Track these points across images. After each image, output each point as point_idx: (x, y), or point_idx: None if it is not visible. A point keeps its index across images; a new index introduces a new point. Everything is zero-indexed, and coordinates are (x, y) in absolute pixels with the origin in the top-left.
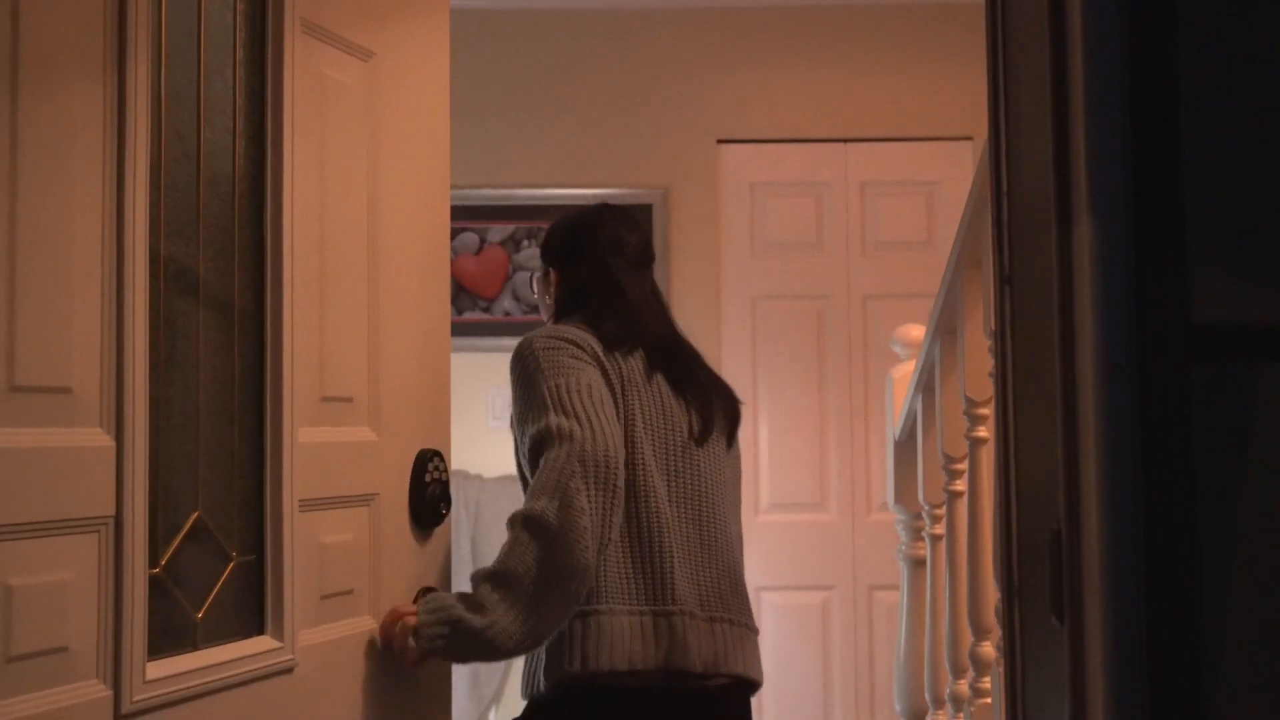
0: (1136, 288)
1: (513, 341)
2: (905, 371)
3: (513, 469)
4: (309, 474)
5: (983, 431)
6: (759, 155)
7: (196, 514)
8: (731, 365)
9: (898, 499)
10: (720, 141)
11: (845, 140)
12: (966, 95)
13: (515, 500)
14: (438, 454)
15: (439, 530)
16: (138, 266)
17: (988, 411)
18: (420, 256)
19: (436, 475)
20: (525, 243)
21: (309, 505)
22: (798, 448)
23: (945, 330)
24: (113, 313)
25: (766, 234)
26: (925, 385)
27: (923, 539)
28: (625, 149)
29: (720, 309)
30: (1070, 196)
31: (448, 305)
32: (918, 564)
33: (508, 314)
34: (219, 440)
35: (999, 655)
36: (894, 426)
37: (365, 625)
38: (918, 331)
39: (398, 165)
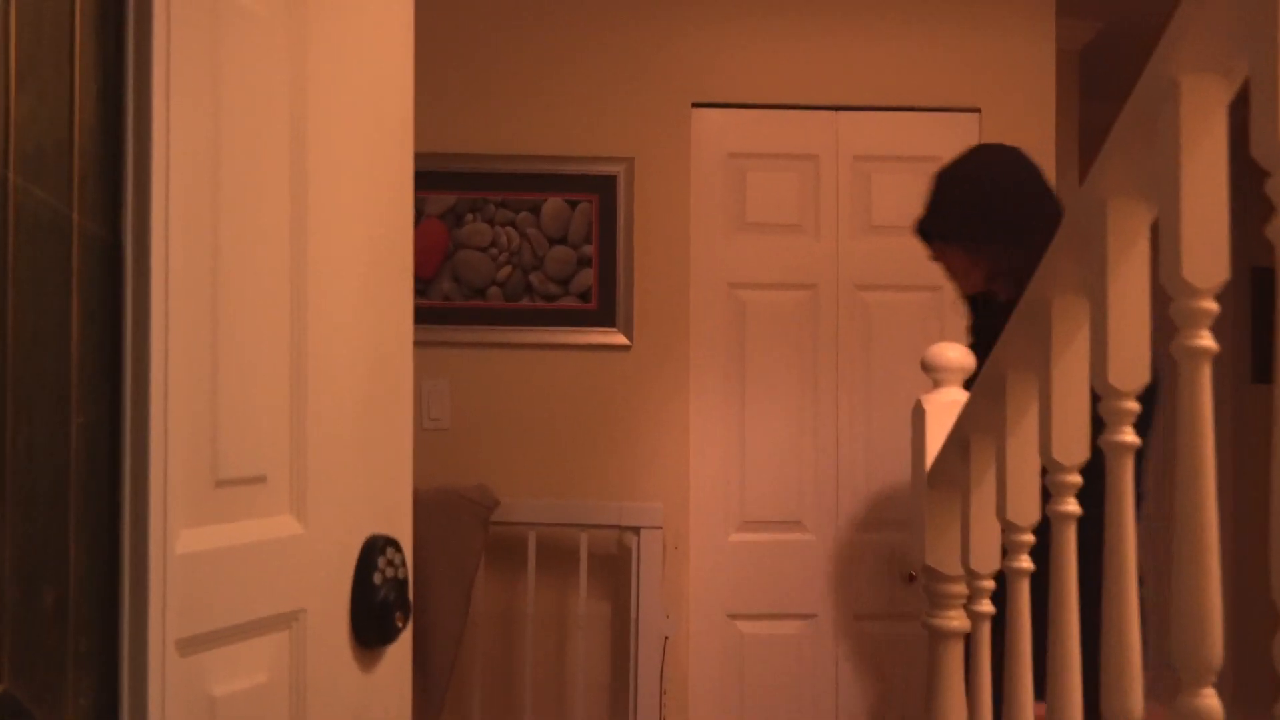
0: None
1: (452, 330)
2: (942, 401)
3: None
4: (194, 599)
5: (1071, 504)
6: (738, 122)
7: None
8: (701, 361)
9: (929, 555)
10: (695, 105)
11: (836, 108)
12: (973, 62)
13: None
14: (392, 542)
15: (394, 649)
16: None
17: (1076, 479)
18: (369, 255)
19: (391, 573)
20: (468, 216)
21: (193, 645)
22: (778, 459)
23: (1019, 364)
24: None
25: (745, 212)
26: (980, 423)
27: (958, 607)
28: (585, 112)
29: (689, 297)
30: None
31: (409, 322)
32: (949, 637)
33: (447, 298)
34: (42, 564)
35: None
36: (926, 467)
37: None
38: (955, 353)
39: (337, 127)
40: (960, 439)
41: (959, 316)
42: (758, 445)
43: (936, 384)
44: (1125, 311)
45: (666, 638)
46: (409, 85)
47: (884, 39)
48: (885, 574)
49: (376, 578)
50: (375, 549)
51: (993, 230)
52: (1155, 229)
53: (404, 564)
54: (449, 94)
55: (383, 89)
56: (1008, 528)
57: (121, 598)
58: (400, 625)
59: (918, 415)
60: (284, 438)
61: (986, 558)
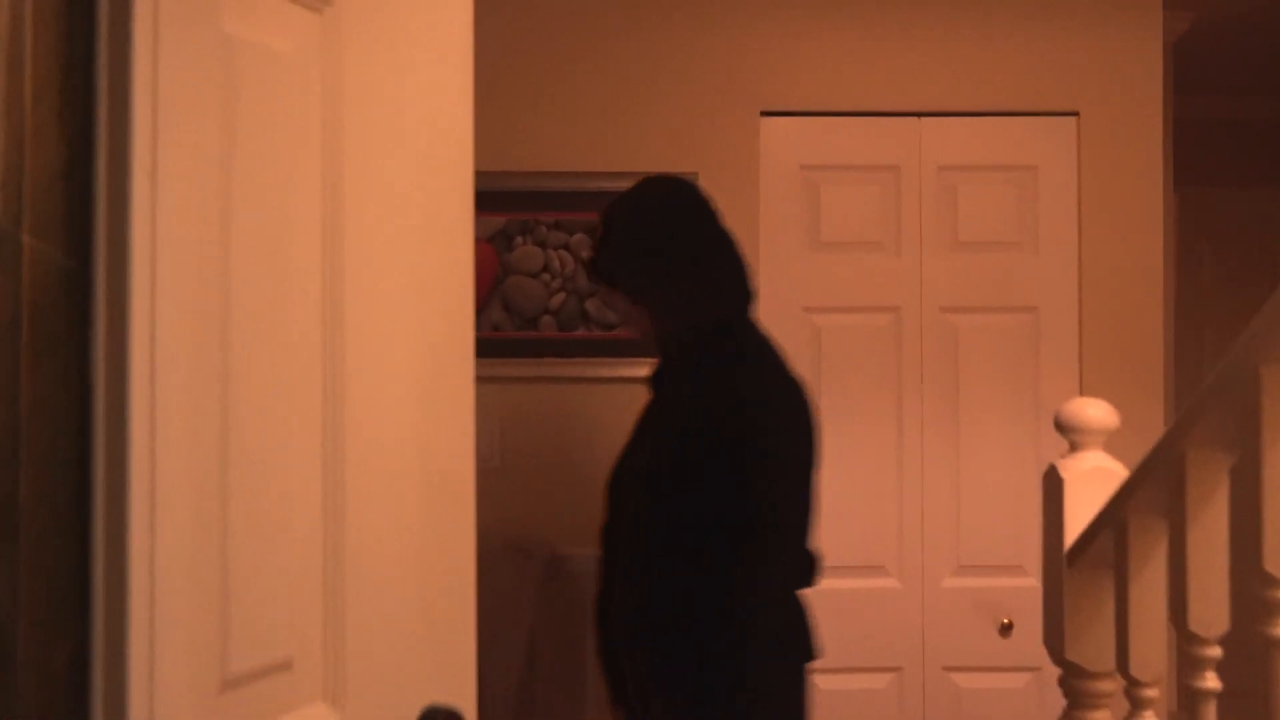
0: None
1: (502, 364)
2: (1082, 469)
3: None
4: None
5: None
6: (811, 131)
7: None
8: None
9: (1070, 648)
10: (764, 114)
11: (919, 114)
12: (1070, 61)
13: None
14: (453, 715)
15: None
16: None
17: None
18: (422, 342)
19: None
20: (518, 239)
21: None
22: (859, 499)
23: (1205, 441)
24: None
25: (819, 229)
26: (1145, 505)
27: (1104, 708)
28: (644, 123)
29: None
30: None
31: (470, 430)
32: None
33: (496, 328)
34: None
35: None
36: (1064, 544)
37: None
38: (1096, 411)
39: (382, 190)
40: (1116, 519)
41: (1058, 341)
42: (836, 484)
43: (1073, 446)
44: None
45: None
46: (468, 129)
47: (971, 38)
48: (977, 622)
49: None
50: None
51: (650, 274)
52: None
53: None
54: (495, 108)
55: (436, 133)
56: (1188, 639)
57: None
58: None
59: (1053, 483)
60: (315, 602)
61: (1150, 663)
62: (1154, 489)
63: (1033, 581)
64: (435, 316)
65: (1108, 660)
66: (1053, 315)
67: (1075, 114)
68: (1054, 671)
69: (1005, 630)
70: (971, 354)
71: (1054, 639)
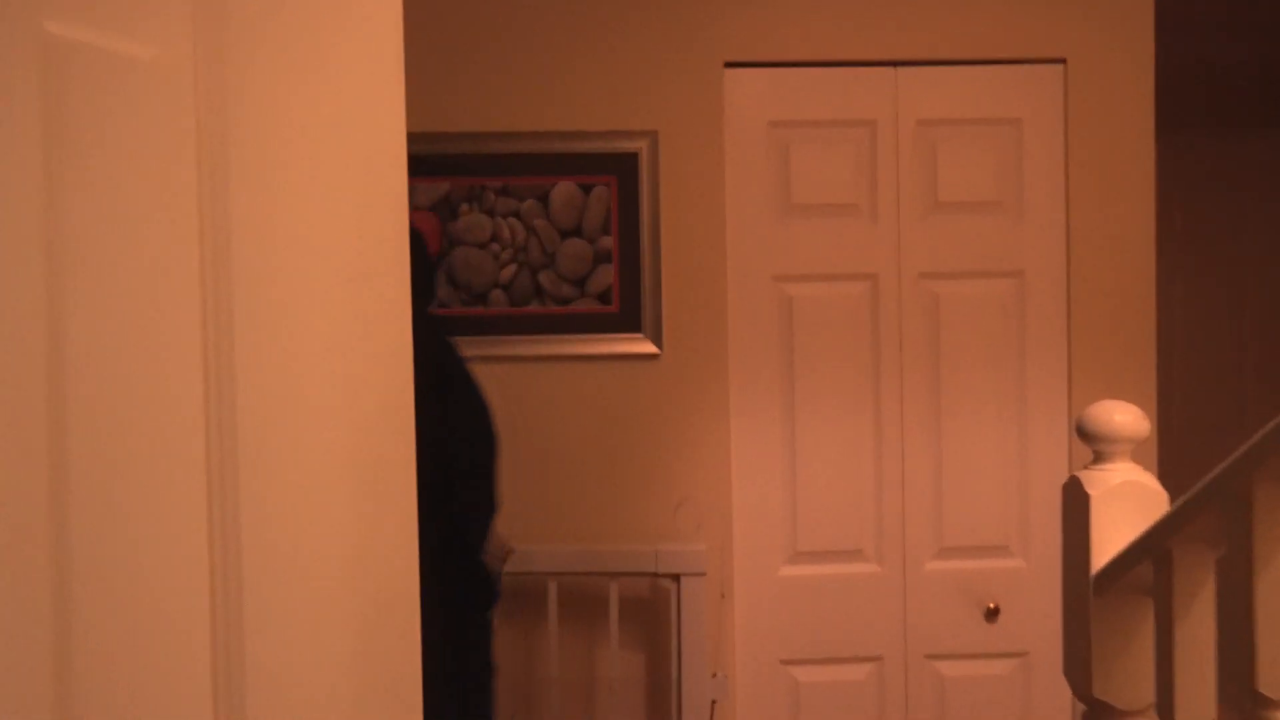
0: None
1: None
2: (1111, 483)
3: None
4: None
5: None
6: (780, 84)
7: None
8: (743, 369)
9: (1099, 685)
10: (728, 65)
11: (895, 63)
12: (1056, 3)
13: None
14: None
15: None
16: None
17: None
18: (347, 422)
19: None
20: (464, 207)
21: None
22: (835, 480)
23: (1273, 476)
24: None
25: (790, 192)
26: (1197, 534)
27: None
28: (598, 78)
29: (727, 294)
30: None
31: (412, 517)
32: None
33: (442, 305)
34: None
35: None
36: (1091, 568)
37: None
38: (1125, 416)
39: (287, 224)
40: (1158, 549)
41: (1046, 308)
42: (811, 464)
43: (1098, 456)
44: None
45: (714, 701)
46: (400, 136)
47: None
48: (961, 608)
49: None
50: None
51: None
52: None
53: None
54: (436, 63)
55: (359, 145)
56: (1255, 700)
57: None
58: None
59: (1076, 499)
60: None
61: (1198, 712)
62: (1208, 522)
63: (1020, 563)
64: (364, 385)
65: (1142, 697)
66: (1040, 280)
67: (1062, 61)
68: (1043, 658)
69: (991, 615)
70: (953, 323)
71: (1078, 674)
